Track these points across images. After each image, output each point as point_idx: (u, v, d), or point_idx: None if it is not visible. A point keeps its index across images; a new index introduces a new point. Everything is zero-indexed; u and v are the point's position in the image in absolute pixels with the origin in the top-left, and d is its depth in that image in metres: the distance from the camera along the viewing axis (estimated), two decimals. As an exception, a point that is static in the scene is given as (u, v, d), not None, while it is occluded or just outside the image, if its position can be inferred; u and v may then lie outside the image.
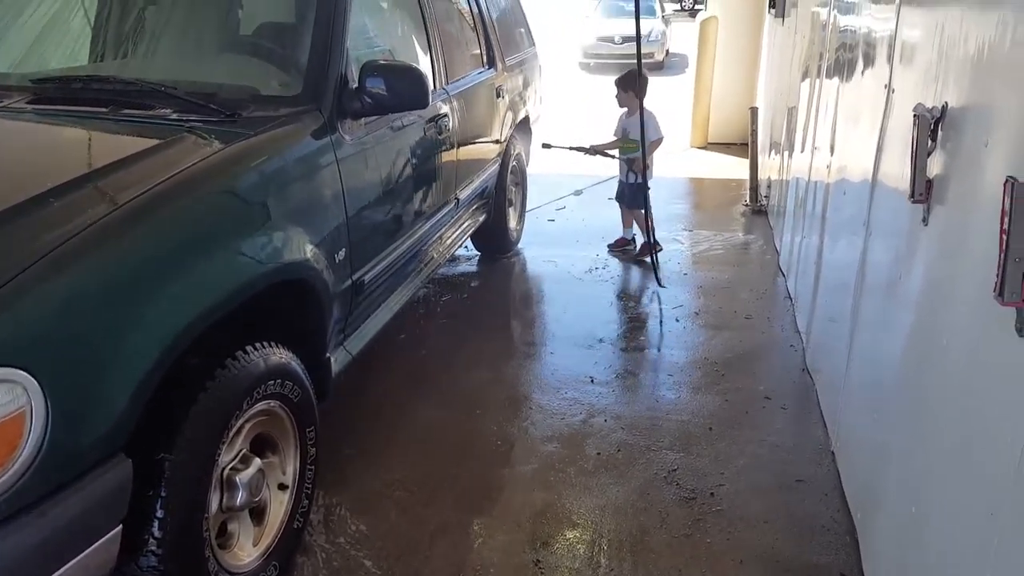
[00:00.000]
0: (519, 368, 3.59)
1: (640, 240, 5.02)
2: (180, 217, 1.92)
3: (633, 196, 4.92)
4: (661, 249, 4.89)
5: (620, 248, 5.11)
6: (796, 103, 4.59)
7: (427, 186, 3.41)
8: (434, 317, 4.12)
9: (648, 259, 4.74)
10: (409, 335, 3.85)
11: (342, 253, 2.50)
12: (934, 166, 1.91)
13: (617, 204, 5.15)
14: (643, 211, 4.80)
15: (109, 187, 1.92)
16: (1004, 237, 1.35)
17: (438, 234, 3.64)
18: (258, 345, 2.13)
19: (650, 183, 4.83)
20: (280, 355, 2.20)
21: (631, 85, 4.79)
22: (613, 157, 5.02)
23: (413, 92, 2.75)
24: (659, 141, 4.92)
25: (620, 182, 5.05)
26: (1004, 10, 1.56)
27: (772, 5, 4.91)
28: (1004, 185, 1.33)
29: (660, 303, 4.33)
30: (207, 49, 2.93)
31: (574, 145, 5.08)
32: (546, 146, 5.10)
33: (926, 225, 1.95)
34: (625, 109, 4.91)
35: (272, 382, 2.14)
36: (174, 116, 2.36)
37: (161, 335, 1.74)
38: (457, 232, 3.99)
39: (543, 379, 3.49)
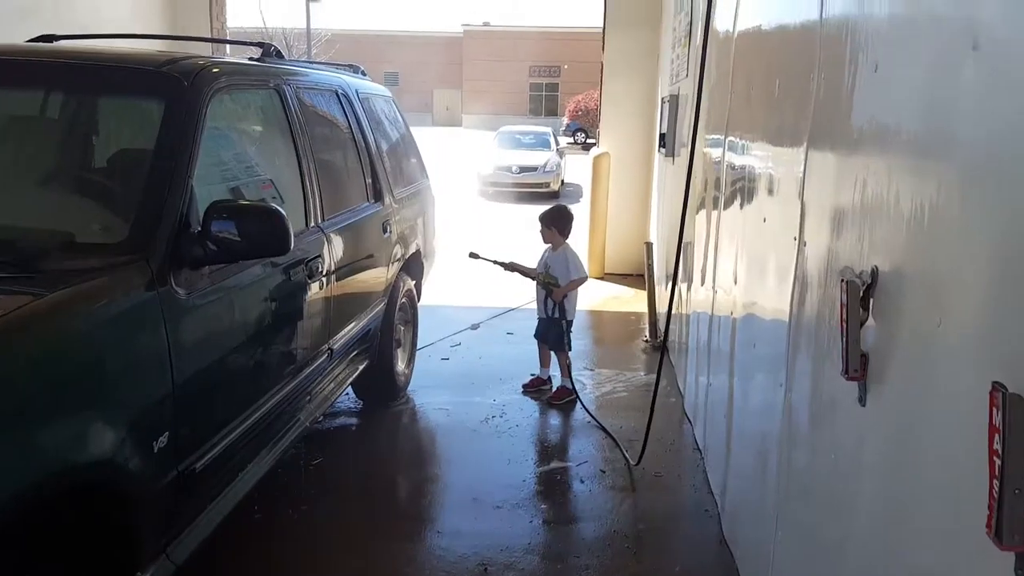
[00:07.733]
0: (398, 552, 3.02)
1: (556, 382, 4.71)
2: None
3: (556, 335, 4.64)
4: (575, 397, 4.60)
5: (535, 388, 4.75)
6: (692, 239, 4.45)
7: (291, 340, 2.97)
8: (299, 487, 3.50)
9: (560, 403, 4.56)
10: (266, 513, 3.20)
11: (163, 438, 2.00)
12: (868, 338, 1.63)
13: (536, 342, 4.82)
14: (566, 354, 4.61)
15: None
16: (996, 460, 1.03)
17: (306, 392, 3.16)
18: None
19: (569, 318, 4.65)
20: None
21: (554, 222, 4.64)
22: (531, 278, 4.72)
23: (271, 237, 2.37)
24: (581, 280, 4.69)
25: (540, 319, 4.75)
26: (948, 166, 1.31)
27: (662, 144, 4.85)
28: (991, 394, 1.03)
29: (562, 460, 3.93)
30: (16, 186, 2.45)
31: (498, 259, 4.79)
32: (472, 256, 4.80)
33: (863, 406, 1.66)
34: (549, 245, 4.70)
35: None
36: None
37: None
38: (331, 386, 3.50)
39: (425, 568, 2.95)
